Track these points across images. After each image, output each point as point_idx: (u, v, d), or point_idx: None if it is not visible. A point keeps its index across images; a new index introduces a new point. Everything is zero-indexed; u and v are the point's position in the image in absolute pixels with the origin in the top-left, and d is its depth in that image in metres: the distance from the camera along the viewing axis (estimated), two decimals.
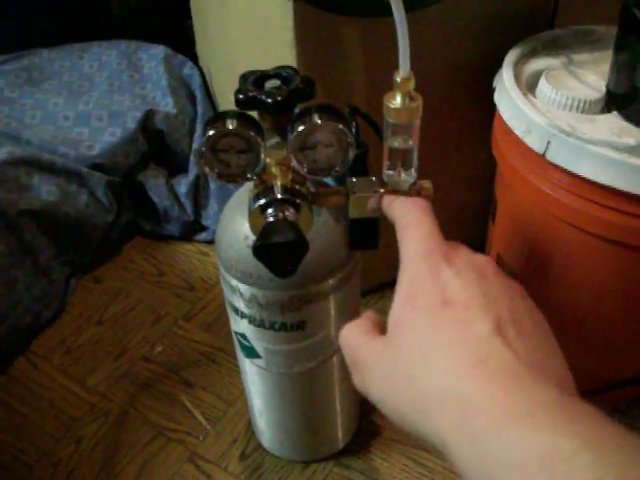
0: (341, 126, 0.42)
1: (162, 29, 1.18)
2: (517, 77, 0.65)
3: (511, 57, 0.67)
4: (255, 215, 0.44)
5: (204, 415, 0.77)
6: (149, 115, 0.98)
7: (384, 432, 0.74)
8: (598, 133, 0.59)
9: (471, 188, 0.86)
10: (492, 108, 0.66)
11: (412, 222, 0.40)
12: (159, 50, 1.07)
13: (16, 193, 0.86)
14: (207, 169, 0.43)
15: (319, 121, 0.42)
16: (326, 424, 0.69)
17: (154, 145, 0.99)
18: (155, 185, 0.98)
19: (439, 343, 0.33)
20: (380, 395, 0.35)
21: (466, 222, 0.89)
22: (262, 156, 0.43)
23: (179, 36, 1.15)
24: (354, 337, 0.39)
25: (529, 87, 0.65)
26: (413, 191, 0.46)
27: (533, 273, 0.69)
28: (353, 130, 0.48)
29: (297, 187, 0.45)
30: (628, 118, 0.60)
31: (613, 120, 0.61)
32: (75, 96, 1.01)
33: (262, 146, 0.43)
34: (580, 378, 0.73)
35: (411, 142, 0.44)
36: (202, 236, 1.00)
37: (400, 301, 0.36)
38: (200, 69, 1.08)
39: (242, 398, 0.77)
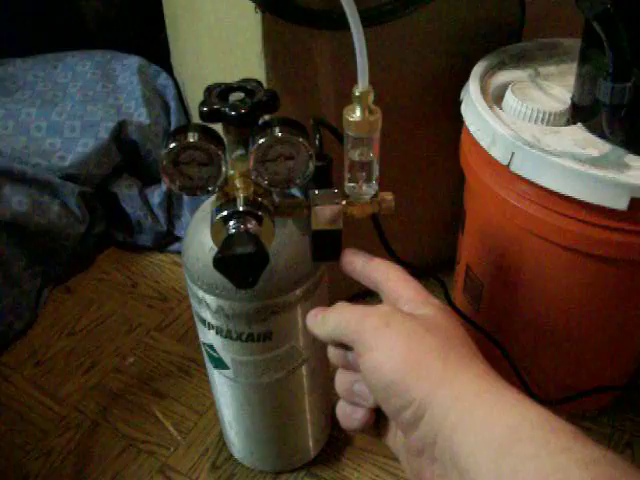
0: (301, 139, 0.42)
1: (137, 40, 1.18)
2: (484, 89, 0.66)
3: (478, 70, 0.68)
4: (217, 227, 0.44)
5: (175, 426, 0.77)
6: (122, 126, 0.98)
7: (355, 442, 0.75)
8: (562, 145, 0.60)
9: (441, 199, 0.87)
10: (460, 120, 0.67)
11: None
12: (133, 60, 1.07)
13: None
14: (168, 182, 0.44)
15: (279, 134, 0.42)
16: (296, 434, 0.69)
17: (127, 156, 0.99)
18: (128, 196, 0.98)
19: None
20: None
21: (437, 233, 0.90)
22: (223, 169, 0.43)
23: (154, 47, 1.15)
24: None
25: (496, 99, 0.66)
26: (375, 203, 0.47)
27: (501, 283, 0.69)
28: (316, 142, 0.49)
29: (259, 199, 0.45)
30: (592, 130, 0.61)
31: (577, 132, 0.62)
32: (48, 106, 1.01)
33: (223, 159, 0.43)
34: (549, 386, 0.74)
35: (371, 154, 0.44)
36: (175, 247, 1.00)
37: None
38: (175, 80, 1.08)
39: (213, 409, 0.77)
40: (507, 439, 0.31)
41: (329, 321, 0.42)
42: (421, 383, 0.35)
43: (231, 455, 0.74)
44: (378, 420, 0.43)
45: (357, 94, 0.41)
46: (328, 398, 0.71)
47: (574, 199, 0.56)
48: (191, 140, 0.42)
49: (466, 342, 0.38)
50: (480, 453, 0.31)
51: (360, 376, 0.42)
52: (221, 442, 0.75)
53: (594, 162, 0.56)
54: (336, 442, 0.75)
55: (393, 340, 0.37)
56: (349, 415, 0.43)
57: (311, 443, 0.71)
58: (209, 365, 0.63)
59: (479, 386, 0.34)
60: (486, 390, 0.34)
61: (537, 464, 0.29)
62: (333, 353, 0.44)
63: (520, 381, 0.71)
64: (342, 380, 0.44)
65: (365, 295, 0.84)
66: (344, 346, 0.42)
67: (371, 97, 0.42)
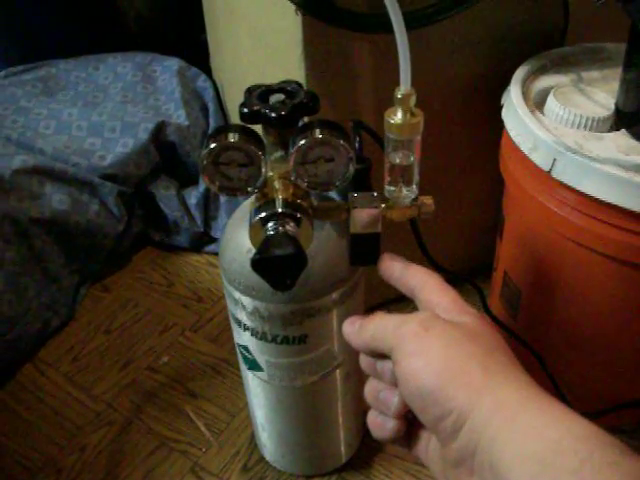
0: (342, 141, 0.42)
1: (178, 42, 1.20)
2: (525, 94, 0.65)
3: (520, 74, 0.67)
4: (255, 228, 0.44)
5: (207, 426, 0.77)
6: (161, 127, 0.99)
7: (387, 448, 0.74)
8: (605, 151, 0.58)
9: (479, 205, 0.86)
10: (500, 125, 0.66)
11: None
12: (173, 62, 1.08)
13: (28, 201, 0.87)
14: (208, 182, 0.44)
15: (320, 136, 0.42)
16: (328, 438, 0.69)
17: (166, 156, 1.00)
18: (166, 196, 0.98)
19: None
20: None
21: (475, 239, 0.89)
22: (263, 170, 0.43)
23: (194, 49, 1.16)
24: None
25: (537, 104, 0.65)
26: (414, 207, 0.46)
27: (539, 290, 0.68)
28: (356, 145, 0.49)
29: (298, 201, 0.45)
30: (636, 136, 0.60)
31: (621, 138, 0.61)
32: (89, 107, 1.02)
33: (263, 160, 0.43)
34: (586, 397, 0.73)
35: (412, 158, 0.44)
36: (211, 248, 1.01)
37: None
38: (213, 82, 1.09)
39: (246, 410, 0.77)
40: (549, 452, 0.30)
41: (367, 328, 0.42)
42: (461, 391, 0.34)
43: (262, 457, 0.74)
44: (409, 431, 0.43)
45: (399, 96, 0.41)
46: (361, 403, 0.70)
47: (617, 207, 0.54)
48: (232, 140, 0.42)
49: (506, 352, 0.38)
50: (521, 466, 0.30)
51: (386, 385, 0.42)
52: (253, 444, 0.75)
53: (638, 169, 0.55)
54: (368, 447, 0.74)
55: (433, 346, 0.37)
56: (380, 425, 0.43)
57: (343, 448, 0.71)
58: (243, 367, 0.63)
59: (521, 396, 0.34)
60: (529, 401, 0.33)
61: (582, 478, 0.28)
62: (365, 361, 0.44)
63: (555, 391, 0.69)
64: (370, 388, 0.43)
65: (400, 300, 0.84)
66: (377, 355, 0.42)
67: (413, 99, 0.41)
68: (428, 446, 0.41)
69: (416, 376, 0.36)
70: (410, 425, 0.42)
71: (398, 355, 0.38)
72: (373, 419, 0.43)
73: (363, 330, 0.42)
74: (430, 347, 0.37)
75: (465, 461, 0.34)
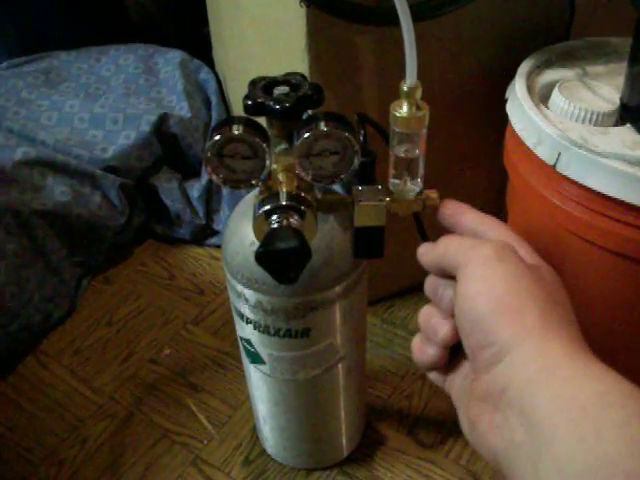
0: (347, 134, 0.42)
1: (180, 34, 1.19)
2: (530, 88, 0.65)
3: (525, 68, 0.67)
4: (259, 221, 0.44)
5: (209, 419, 0.77)
6: (164, 119, 0.99)
7: (388, 442, 0.74)
8: (610, 146, 0.58)
9: (483, 199, 0.86)
10: (504, 119, 0.66)
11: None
12: (176, 55, 1.08)
13: (30, 193, 0.87)
14: (212, 174, 0.44)
15: (325, 128, 0.42)
16: (330, 432, 0.69)
17: (168, 149, 1.00)
18: (168, 189, 0.98)
19: None
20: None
21: None
22: (267, 162, 0.43)
23: (196, 41, 1.16)
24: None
25: (542, 98, 0.65)
26: (419, 200, 0.46)
27: None
28: (361, 138, 0.48)
29: (302, 194, 0.45)
30: None
31: (626, 133, 0.60)
32: (91, 99, 1.02)
33: (267, 152, 0.43)
34: None
35: (417, 151, 0.44)
36: (213, 240, 1.01)
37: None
38: (216, 74, 1.09)
39: (247, 403, 0.77)
40: (593, 404, 0.29)
41: (439, 245, 0.41)
42: (511, 327, 0.34)
43: (264, 450, 0.74)
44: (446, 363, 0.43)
45: (405, 89, 0.41)
46: (363, 397, 0.70)
47: (622, 202, 0.54)
48: (236, 132, 0.42)
49: (567, 306, 0.37)
50: (560, 413, 0.30)
51: (440, 313, 0.42)
52: (254, 437, 0.75)
53: None
54: (369, 442, 0.74)
55: (499, 276, 0.36)
56: (423, 349, 0.42)
57: (344, 442, 0.71)
58: (245, 360, 0.63)
59: (568, 350, 0.33)
60: (576, 353, 0.33)
61: (629, 432, 0.27)
62: (429, 283, 0.43)
63: None
64: (425, 312, 0.43)
65: (404, 293, 0.83)
66: (443, 275, 0.42)
67: (419, 92, 0.41)
68: (460, 382, 0.41)
69: (473, 299, 0.36)
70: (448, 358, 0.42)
71: (463, 275, 0.38)
72: (418, 342, 0.43)
73: (437, 244, 0.42)
74: (496, 276, 0.36)
75: (491, 396, 0.34)
